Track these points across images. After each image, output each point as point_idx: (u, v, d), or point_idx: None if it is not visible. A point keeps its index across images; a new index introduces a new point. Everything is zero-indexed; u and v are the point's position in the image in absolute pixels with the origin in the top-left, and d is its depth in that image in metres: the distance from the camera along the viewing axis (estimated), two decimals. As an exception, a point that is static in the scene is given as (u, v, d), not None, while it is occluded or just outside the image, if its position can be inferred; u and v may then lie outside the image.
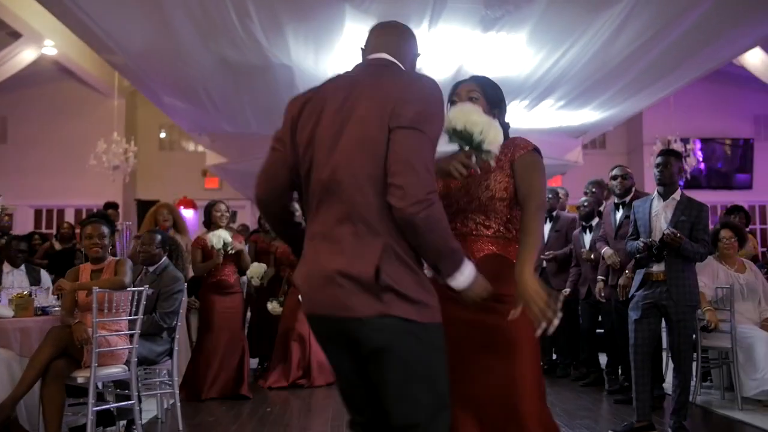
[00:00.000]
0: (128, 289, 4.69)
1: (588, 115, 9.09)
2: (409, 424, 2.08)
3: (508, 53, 6.39)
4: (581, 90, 7.81)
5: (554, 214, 7.26)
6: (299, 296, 2.60)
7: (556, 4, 5.50)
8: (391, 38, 2.33)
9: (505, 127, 2.67)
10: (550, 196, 7.09)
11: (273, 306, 6.99)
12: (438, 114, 2.12)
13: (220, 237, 6.23)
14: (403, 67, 2.27)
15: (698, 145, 12.81)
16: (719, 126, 13.55)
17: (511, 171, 2.59)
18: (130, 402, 4.63)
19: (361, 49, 2.37)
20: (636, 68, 7.09)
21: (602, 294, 6.13)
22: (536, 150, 2.64)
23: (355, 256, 2.03)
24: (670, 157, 4.91)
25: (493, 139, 2.36)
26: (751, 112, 13.56)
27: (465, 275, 2.13)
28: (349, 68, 2.28)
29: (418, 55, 2.38)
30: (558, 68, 6.66)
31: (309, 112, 2.19)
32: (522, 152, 2.60)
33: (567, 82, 7.40)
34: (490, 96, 2.64)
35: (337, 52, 6.18)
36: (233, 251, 6.28)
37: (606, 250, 6.00)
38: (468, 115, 2.35)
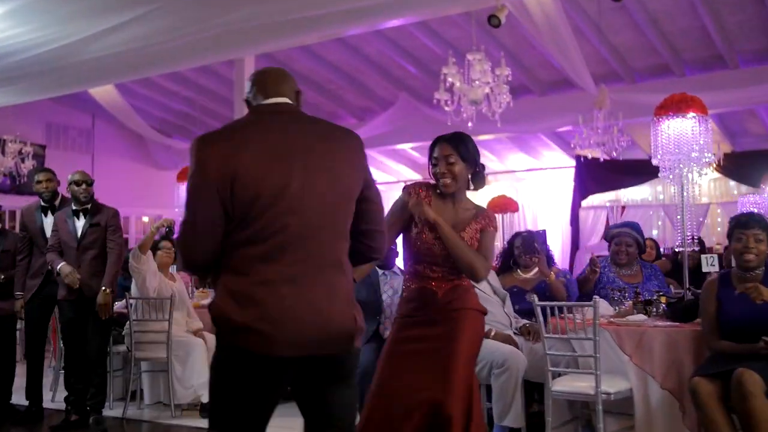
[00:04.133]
0: None
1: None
2: None
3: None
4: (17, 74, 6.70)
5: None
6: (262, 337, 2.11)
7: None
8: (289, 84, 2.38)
9: (480, 178, 3.26)
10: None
11: None
12: None
13: None
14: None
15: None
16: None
17: (479, 236, 3.21)
18: None
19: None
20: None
21: None
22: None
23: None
24: None
25: None
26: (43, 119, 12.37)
27: None
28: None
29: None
30: (22, 45, 5.71)
31: (260, 160, 2.15)
32: (491, 230, 3.26)
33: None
34: (466, 156, 3.15)
35: None
36: None
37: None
38: None
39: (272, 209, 2.10)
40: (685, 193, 4.70)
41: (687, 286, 4.74)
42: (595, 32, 8.74)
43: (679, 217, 4.86)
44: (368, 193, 2.30)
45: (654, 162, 4.75)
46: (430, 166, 3.24)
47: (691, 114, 4.60)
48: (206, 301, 6.66)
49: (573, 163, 12.32)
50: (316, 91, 11.42)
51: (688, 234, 4.66)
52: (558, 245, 12.38)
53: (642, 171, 11.80)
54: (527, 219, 13.26)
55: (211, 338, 5.77)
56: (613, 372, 4.13)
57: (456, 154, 3.13)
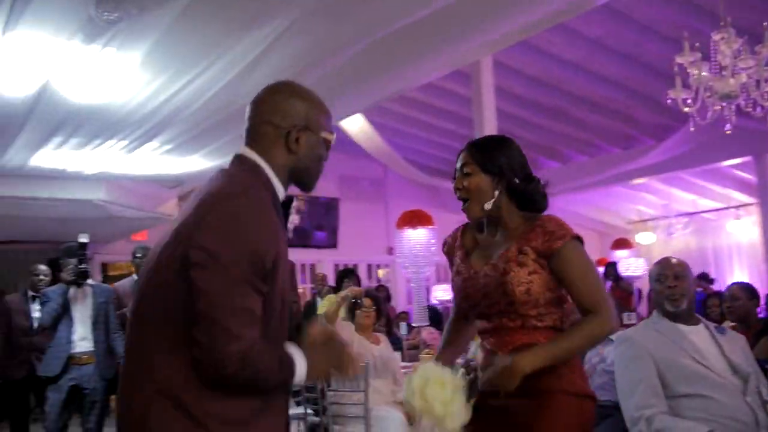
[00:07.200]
0: None
1: (194, 163, 7.37)
2: None
3: (116, 75, 4.79)
4: (197, 132, 6.23)
5: None
6: None
7: (192, 15, 4.05)
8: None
9: (527, 192, 2.30)
10: (138, 255, 6.02)
11: None
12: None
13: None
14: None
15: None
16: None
17: (546, 267, 2.22)
18: None
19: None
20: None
21: None
22: (578, 238, 2.25)
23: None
24: None
25: (456, 417, 2.08)
26: (336, 172, 12.19)
27: (299, 375, 1.80)
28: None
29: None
30: (177, 101, 5.17)
31: None
32: (560, 243, 2.20)
33: (183, 121, 5.83)
34: (487, 165, 2.29)
35: None
36: None
37: None
38: (425, 390, 2.09)
39: None
40: None
41: None
42: None
43: None
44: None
45: None
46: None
47: None
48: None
49: None
50: (600, 113, 10.02)
51: None
52: None
53: None
54: None
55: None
56: None
57: (474, 164, 2.29)
